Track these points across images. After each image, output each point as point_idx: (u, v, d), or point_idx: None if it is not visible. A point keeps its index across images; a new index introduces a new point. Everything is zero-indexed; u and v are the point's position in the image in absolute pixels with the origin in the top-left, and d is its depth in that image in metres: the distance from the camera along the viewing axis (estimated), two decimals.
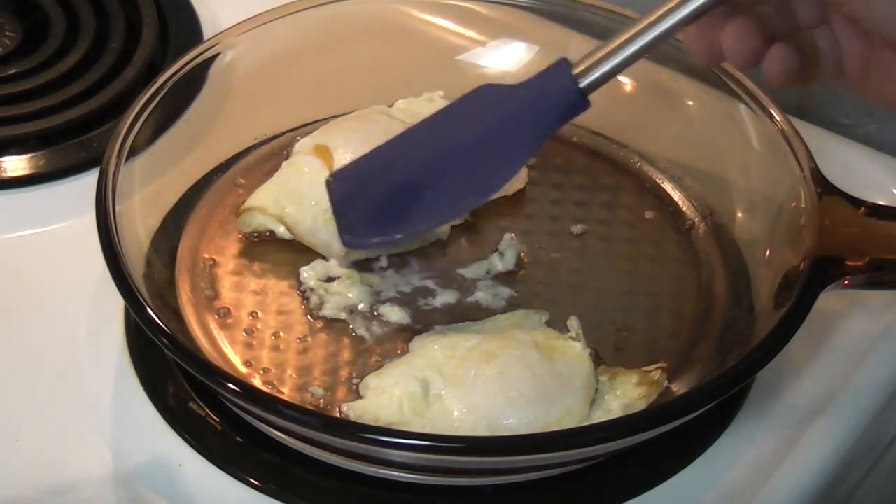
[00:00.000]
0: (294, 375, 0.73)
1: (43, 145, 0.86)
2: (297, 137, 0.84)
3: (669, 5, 0.64)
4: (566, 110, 0.69)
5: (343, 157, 0.80)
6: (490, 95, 0.74)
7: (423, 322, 0.75)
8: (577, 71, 0.68)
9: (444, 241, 0.80)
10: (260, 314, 0.76)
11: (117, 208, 0.73)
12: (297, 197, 0.79)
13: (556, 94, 0.69)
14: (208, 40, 0.84)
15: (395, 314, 0.76)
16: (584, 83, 0.68)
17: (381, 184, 0.75)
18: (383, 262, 0.79)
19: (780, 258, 0.75)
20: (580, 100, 0.69)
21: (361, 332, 0.75)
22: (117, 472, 0.70)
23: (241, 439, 0.71)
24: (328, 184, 0.77)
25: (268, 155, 0.85)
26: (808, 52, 0.64)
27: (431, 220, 0.74)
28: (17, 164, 0.85)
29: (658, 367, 0.72)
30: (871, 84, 0.63)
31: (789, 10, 0.63)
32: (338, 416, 0.70)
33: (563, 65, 0.69)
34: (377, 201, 0.75)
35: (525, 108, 0.71)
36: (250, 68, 0.85)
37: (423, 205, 0.73)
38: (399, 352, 0.74)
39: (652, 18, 0.65)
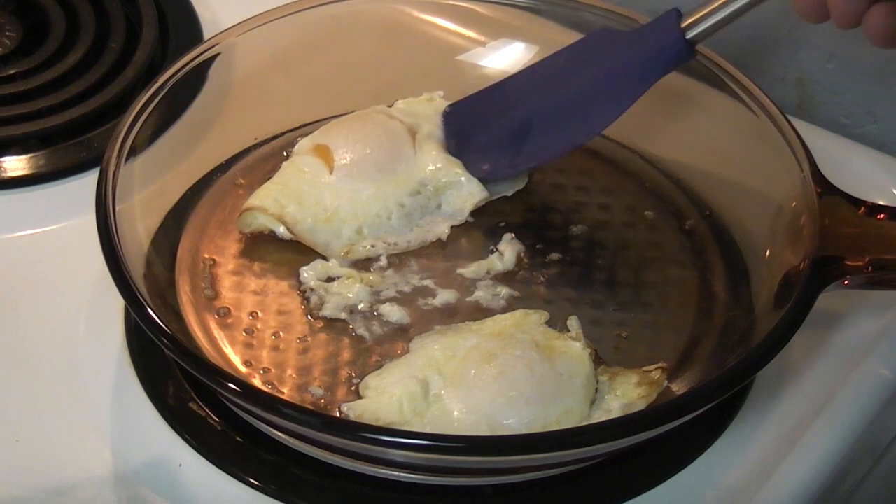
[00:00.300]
0: (294, 375, 0.73)
1: (43, 145, 0.86)
2: (297, 137, 0.84)
3: None
4: (672, 60, 0.73)
5: (343, 157, 0.80)
6: (602, 41, 0.77)
7: (423, 322, 0.75)
8: (686, 22, 0.71)
9: (444, 241, 0.80)
10: (260, 314, 0.76)
11: (117, 208, 0.73)
12: (297, 196, 0.79)
13: (663, 44, 0.72)
14: (208, 40, 0.84)
15: (395, 314, 0.76)
16: (691, 34, 0.71)
17: (494, 119, 0.79)
18: (383, 261, 0.79)
19: (780, 258, 0.75)
20: (686, 51, 0.72)
21: (361, 332, 0.75)
22: (117, 472, 0.70)
23: (241, 439, 0.71)
24: (445, 115, 0.82)
25: (268, 155, 0.85)
26: None
27: (539, 156, 0.79)
28: (17, 164, 0.85)
29: (658, 367, 0.72)
30: None
31: None
32: (338, 416, 0.70)
33: (673, 15, 0.72)
34: (489, 135, 0.79)
35: (634, 56, 0.74)
36: (250, 68, 0.85)
37: (532, 141, 0.77)
38: (399, 352, 0.74)
39: None
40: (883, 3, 0.63)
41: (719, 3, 0.70)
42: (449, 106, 0.83)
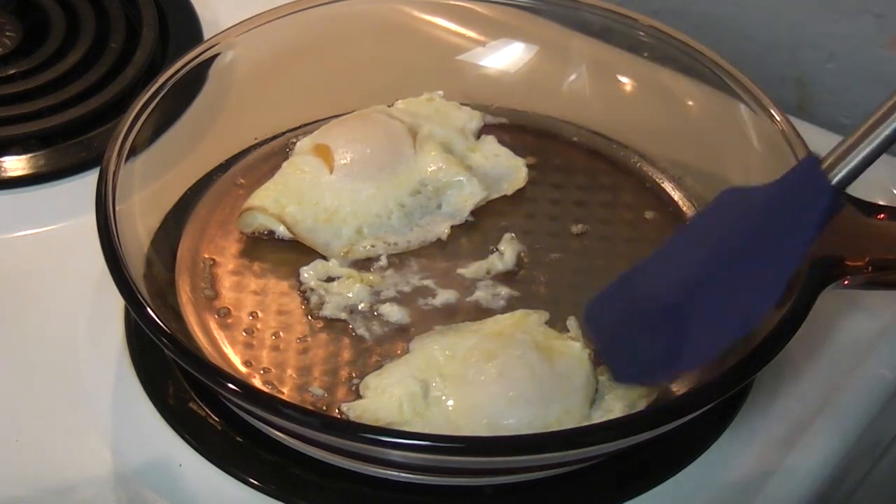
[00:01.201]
0: (294, 375, 0.73)
1: (43, 145, 0.86)
2: (297, 137, 0.84)
3: None
4: (825, 216, 0.64)
5: (343, 157, 0.80)
6: (738, 206, 0.69)
7: (423, 322, 0.75)
8: (825, 165, 0.64)
9: (444, 241, 0.80)
10: (260, 314, 0.76)
11: (117, 208, 0.73)
12: (297, 196, 0.79)
13: (811, 201, 0.64)
14: (208, 40, 0.84)
15: (395, 314, 0.76)
16: (835, 179, 0.63)
17: (641, 315, 0.70)
18: (383, 261, 0.79)
19: None
20: (836, 200, 0.64)
21: (361, 332, 0.75)
22: (117, 472, 0.70)
23: (241, 439, 0.71)
24: (587, 316, 0.72)
25: (268, 155, 0.85)
26: None
27: (700, 354, 0.68)
28: (17, 164, 0.85)
29: None
30: None
31: None
32: (338, 416, 0.70)
33: (812, 163, 0.65)
34: (641, 334, 0.70)
35: (781, 220, 0.66)
36: (250, 68, 0.85)
37: (688, 336, 0.68)
38: (399, 352, 0.74)
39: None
40: None
41: (855, 138, 0.63)
42: (589, 304, 0.72)
